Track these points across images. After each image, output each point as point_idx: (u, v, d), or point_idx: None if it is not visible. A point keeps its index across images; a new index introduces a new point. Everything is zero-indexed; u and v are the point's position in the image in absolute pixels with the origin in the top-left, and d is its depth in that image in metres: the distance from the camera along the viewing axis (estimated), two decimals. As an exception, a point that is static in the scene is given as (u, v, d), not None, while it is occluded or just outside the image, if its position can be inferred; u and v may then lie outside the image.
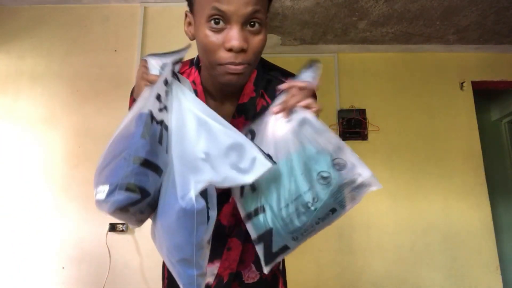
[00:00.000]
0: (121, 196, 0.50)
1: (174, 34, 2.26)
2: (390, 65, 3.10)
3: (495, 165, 3.48)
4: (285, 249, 0.63)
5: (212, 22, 0.61)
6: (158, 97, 0.58)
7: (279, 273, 0.87)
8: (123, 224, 1.99)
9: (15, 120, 2.17)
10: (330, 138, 0.61)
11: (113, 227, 1.98)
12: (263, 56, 0.85)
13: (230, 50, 0.62)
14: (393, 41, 2.94)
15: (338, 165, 0.59)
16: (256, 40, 0.64)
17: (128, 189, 0.50)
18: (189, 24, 0.70)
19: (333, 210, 0.59)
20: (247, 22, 0.62)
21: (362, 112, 2.98)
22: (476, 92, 3.04)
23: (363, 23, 2.66)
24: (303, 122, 0.62)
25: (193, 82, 0.77)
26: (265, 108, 0.76)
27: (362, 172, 0.58)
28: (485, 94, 3.49)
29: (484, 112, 3.70)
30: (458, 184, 2.83)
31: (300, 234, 0.61)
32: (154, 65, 0.62)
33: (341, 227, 2.77)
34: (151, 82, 0.60)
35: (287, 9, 2.48)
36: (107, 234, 1.97)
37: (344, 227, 2.77)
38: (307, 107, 0.63)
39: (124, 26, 2.33)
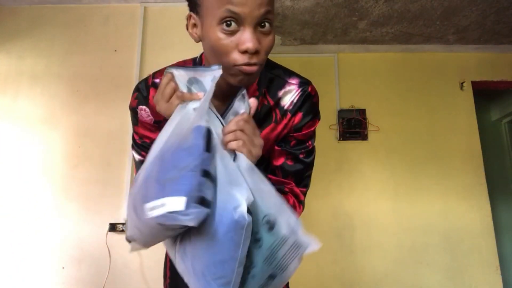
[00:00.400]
0: (199, 209, 0.49)
1: (174, 34, 2.26)
2: (390, 65, 3.10)
3: (495, 165, 3.48)
4: None
5: (224, 24, 0.61)
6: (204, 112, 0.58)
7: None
8: (123, 224, 1.99)
9: (15, 120, 2.17)
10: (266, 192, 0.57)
11: (113, 227, 1.98)
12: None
13: (245, 52, 0.62)
14: (393, 41, 2.94)
15: (268, 224, 0.54)
16: (267, 40, 0.64)
17: (201, 202, 0.49)
18: (194, 26, 0.69)
19: (272, 277, 0.55)
20: (259, 23, 0.62)
21: (362, 112, 2.98)
22: (476, 92, 3.04)
23: (363, 23, 2.66)
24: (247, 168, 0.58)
25: None
26: (265, 108, 0.76)
27: (295, 231, 0.54)
28: (485, 94, 3.48)
29: (484, 112, 3.70)
30: (458, 184, 2.83)
31: None
32: (180, 79, 0.62)
33: (341, 227, 2.77)
34: (185, 100, 0.60)
35: (287, 9, 2.48)
36: (107, 234, 1.97)
37: (344, 227, 2.77)
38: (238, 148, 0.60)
39: (124, 26, 2.33)
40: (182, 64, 0.81)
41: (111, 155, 2.12)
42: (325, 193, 2.83)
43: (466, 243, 2.72)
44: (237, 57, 0.62)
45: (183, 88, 0.62)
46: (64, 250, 1.98)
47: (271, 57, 0.76)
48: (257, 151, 0.61)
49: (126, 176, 2.07)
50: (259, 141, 0.62)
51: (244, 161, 0.57)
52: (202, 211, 0.49)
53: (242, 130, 0.60)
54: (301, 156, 0.79)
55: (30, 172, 2.09)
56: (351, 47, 3.05)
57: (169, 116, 0.62)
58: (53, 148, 2.13)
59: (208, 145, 0.54)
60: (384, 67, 3.10)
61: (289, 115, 0.77)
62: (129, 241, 0.61)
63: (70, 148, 2.13)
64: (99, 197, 2.05)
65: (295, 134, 0.78)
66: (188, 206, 0.48)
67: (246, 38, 0.61)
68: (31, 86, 2.22)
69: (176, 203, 0.48)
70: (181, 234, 0.56)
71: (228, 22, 0.60)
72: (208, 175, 0.52)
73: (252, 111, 0.64)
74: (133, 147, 0.82)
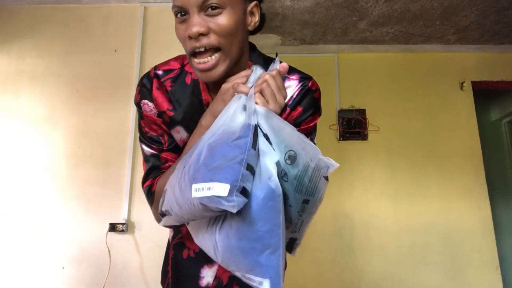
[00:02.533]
0: (240, 198, 0.54)
1: (174, 34, 2.25)
2: (390, 65, 3.10)
3: (495, 165, 3.48)
4: (293, 241, 0.68)
5: (179, 15, 0.67)
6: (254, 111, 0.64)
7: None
8: (123, 224, 1.99)
9: (14, 120, 2.17)
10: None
11: (113, 227, 1.98)
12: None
13: (190, 37, 0.65)
14: (393, 41, 2.94)
15: (289, 159, 0.61)
16: (217, 21, 0.65)
17: (242, 192, 0.54)
18: None
19: (306, 201, 0.63)
20: (203, 8, 0.65)
21: (362, 112, 2.98)
22: (476, 92, 3.04)
23: (363, 23, 2.67)
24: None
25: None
26: None
27: (314, 157, 0.59)
28: (485, 94, 3.49)
29: (484, 112, 3.70)
30: (458, 184, 2.83)
31: (294, 227, 0.66)
32: (255, 78, 0.68)
33: (341, 227, 2.77)
34: (240, 92, 0.65)
35: (287, 9, 2.48)
36: (107, 234, 1.97)
37: (344, 227, 2.77)
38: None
39: (124, 26, 2.33)
40: (181, 58, 0.82)
41: (111, 155, 2.12)
42: (325, 193, 2.83)
43: (466, 243, 2.72)
44: (188, 44, 0.67)
45: (249, 84, 0.68)
46: (64, 250, 1.98)
47: (272, 57, 0.76)
48: (281, 99, 0.65)
49: (126, 176, 2.07)
50: (284, 92, 0.66)
51: (260, 108, 0.62)
52: (243, 200, 0.54)
53: (266, 81, 0.64)
54: None
55: (30, 172, 2.09)
56: (351, 47, 3.05)
57: (222, 100, 0.68)
58: (53, 148, 2.13)
59: (255, 143, 0.60)
60: (384, 67, 3.10)
61: (288, 110, 0.77)
62: (161, 215, 0.67)
63: (70, 148, 2.13)
64: (99, 197, 2.06)
65: None
66: (231, 193, 0.53)
67: (189, 24, 0.65)
68: (31, 86, 2.22)
69: (221, 188, 0.54)
70: (219, 218, 0.62)
71: (177, 14, 0.67)
72: (251, 169, 0.57)
73: (282, 70, 0.67)
74: (141, 140, 0.83)
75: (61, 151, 2.12)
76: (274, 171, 0.59)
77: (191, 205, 0.57)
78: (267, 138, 0.62)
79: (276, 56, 0.70)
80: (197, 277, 0.83)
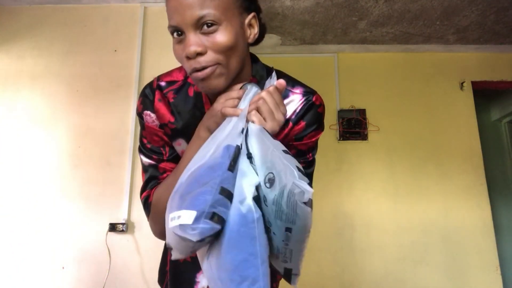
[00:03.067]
0: (207, 225, 0.50)
1: (174, 34, 2.26)
2: (390, 65, 3.10)
3: (495, 165, 3.48)
4: (289, 271, 0.62)
5: (175, 35, 0.66)
6: (242, 131, 0.61)
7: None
8: (123, 224, 1.99)
9: (14, 120, 2.17)
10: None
11: (113, 227, 1.98)
12: (263, 56, 0.85)
13: (188, 58, 0.64)
14: (393, 41, 2.94)
15: (268, 182, 0.56)
16: (214, 39, 0.63)
17: (212, 218, 0.51)
18: None
19: (288, 229, 0.56)
20: (199, 26, 0.63)
21: (362, 112, 2.98)
22: (476, 92, 3.04)
23: (363, 23, 2.67)
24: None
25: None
26: None
27: (289, 180, 0.54)
28: (485, 94, 3.49)
29: (484, 112, 3.70)
30: (458, 184, 2.83)
31: (284, 257, 0.60)
32: (249, 95, 0.65)
33: (341, 227, 2.77)
34: (227, 115, 0.63)
35: (287, 9, 2.48)
36: (107, 234, 1.97)
37: (344, 227, 2.77)
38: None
39: (124, 26, 2.33)
40: (176, 73, 0.81)
41: (111, 155, 2.12)
42: (325, 193, 2.83)
43: (466, 243, 2.72)
44: (187, 65, 0.65)
45: (242, 104, 0.65)
46: (64, 250, 1.98)
47: (271, 57, 0.76)
48: (280, 117, 0.64)
49: (126, 176, 2.07)
50: (283, 109, 0.65)
51: (254, 125, 0.60)
52: (210, 227, 0.50)
53: (263, 99, 0.63)
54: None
55: (30, 172, 2.09)
56: (351, 47, 3.05)
57: (214, 122, 0.67)
58: (53, 148, 2.13)
59: (234, 165, 0.56)
60: (384, 67, 3.10)
61: (290, 124, 0.75)
62: (169, 248, 0.64)
63: (70, 148, 2.13)
64: (99, 197, 2.06)
65: (295, 143, 0.76)
66: (197, 220, 0.50)
67: (185, 44, 0.64)
68: (31, 86, 2.22)
69: (187, 216, 0.50)
70: (209, 247, 0.58)
71: (174, 33, 0.66)
72: (226, 193, 0.53)
73: (279, 87, 0.65)
74: (140, 150, 0.82)
75: (61, 151, 2.12)
76: (248, 194, 0.54)
77: (173, 236, 0.54)
78: (250, 158, 0.58)
79: (273, 71, 0.68)
80: (193, 281, 0.84)
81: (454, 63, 3.09)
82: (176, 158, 0.80)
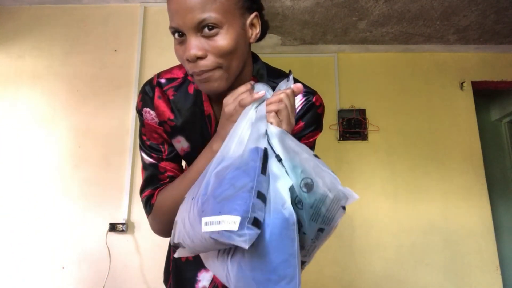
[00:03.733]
0: (252, 231, 0.50)
1: (174, 34, 2.26)
2: (390, 65, 3.10)
3: (495, 165, 3.48)
4: (302, 263, 0.66)
5: (176, 35, 0.65)
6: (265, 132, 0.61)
7: None
8: (123, 224, 1.99)
9: (15, 120, 2.17)
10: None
11: (113, 227, 1.98)
12: (263, 56, 0.85)
13: (188, 61, 0.63)
14: (393, 41, 2.94)
15: (305, 187, 0.57)
16: (215, 42, 0.62)
17: (253, 223, 0.51)
18: None
19: (321, 230, 0.60)
20: (199, 29, 0.62)
21: (362, 112, 2.98)
22: (476, 92, 3.04)
23: (363, 23, 2.67)
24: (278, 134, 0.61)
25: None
26: None
27: (333, 187, 0.56)
28: (485, 94, 3.48)
29: (484, 112, 3.70)
30: (458, 184, 2.83)
31: (307, 252, 0.65)
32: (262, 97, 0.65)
33: (341, 227, 2.77)
34: (246, 104, 0.62)
35: (287, 9, 2.48)
36: (107, 234, 1.97)
37: (344, 227, 2.77)
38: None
39: (124, 26, 2.33)
40: (176, 70, 0.80)
41: (111, 155, 2.12)
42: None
43: (466, 243, 2.72)
44: (188, 67, 0.65)
45: (253, 104, 0.64)
46: (64, 250, 1.99)
47: (271, 57, 0.76)
48: (293, 121, 0.64)
49: (126, 176, 2.07)
50: (295, 113, 0.65)
51: (274, 128, 0.60)
52: (255, 232, 0.50)
53: (281, 100, 0.62)
54: None
55: (30, 172, 2.09)
56: (351, 47, 3.05)
57: (231, 121, 0.65)
58: (53, 148, 2.13)
59: (265, 167, 0.56)
60: (384, 67, 3.10)
61: None
62: (174, 247, 0.64)
63: (70, 148, 2.13)
64: (99, 197, 2.06)
65: None
66: (242, 226, 0.50)
67: (186, 47, 0.63)
68: (31, 86, 2.22)
69: (231, 222, 0.50)
70: (231, 249, 0.59)
71: (175, 34, 0.65)
72: (262, 196, 0.54)
73: (297, 91, 0.66)
74: (141, 147, 0.82)
75: (61, 151, 2.12)
76: (287, 197, 0.55)
77: (202, 239, 0.55)
78: (279, 160, 0.58)
79: (290, 74, 0.67)
80: (194, 280, 0.84)
81: (454, 63, 3.09)
82: (175, 157, 0.80)
